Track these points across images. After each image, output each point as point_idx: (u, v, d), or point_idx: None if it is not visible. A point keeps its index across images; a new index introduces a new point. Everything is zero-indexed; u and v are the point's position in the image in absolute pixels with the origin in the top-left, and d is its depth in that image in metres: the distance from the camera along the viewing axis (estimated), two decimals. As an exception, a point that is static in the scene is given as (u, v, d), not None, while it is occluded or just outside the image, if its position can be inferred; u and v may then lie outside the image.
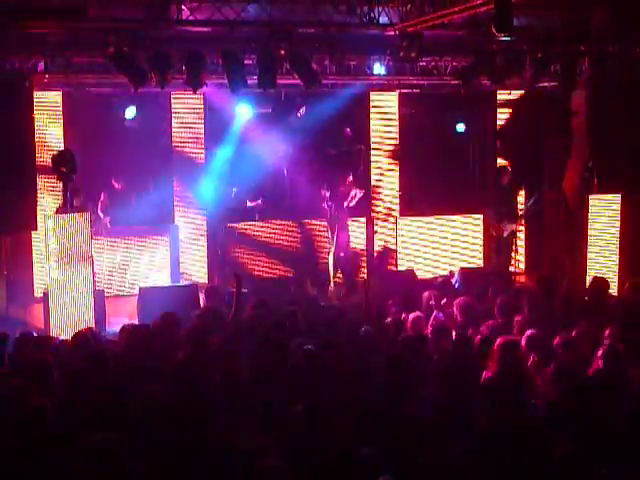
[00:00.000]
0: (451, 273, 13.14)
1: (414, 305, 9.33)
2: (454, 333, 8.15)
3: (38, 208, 11.81)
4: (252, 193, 13.90)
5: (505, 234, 13.39)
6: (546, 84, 12.88)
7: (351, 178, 13.69)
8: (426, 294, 9.56)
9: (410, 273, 12.99)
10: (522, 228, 14.28)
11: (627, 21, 11.15)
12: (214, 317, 8.78)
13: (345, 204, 13.55)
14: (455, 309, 8.89)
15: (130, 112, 13.06)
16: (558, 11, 11.36)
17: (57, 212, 11.02)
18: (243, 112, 13.75)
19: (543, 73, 12.39)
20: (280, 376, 6.73)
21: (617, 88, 12.41)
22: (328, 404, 5.94)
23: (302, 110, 13.63)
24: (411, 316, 8.60)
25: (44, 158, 11.96)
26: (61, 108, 12.66)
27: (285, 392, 6.39)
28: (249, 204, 13.90)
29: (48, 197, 12.47)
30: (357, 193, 13.66)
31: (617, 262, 12.50)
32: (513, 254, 13.30)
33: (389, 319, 8.98)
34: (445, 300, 9.40)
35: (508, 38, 10.98)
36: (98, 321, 10.62)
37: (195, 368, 6.89)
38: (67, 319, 10.48)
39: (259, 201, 13.92)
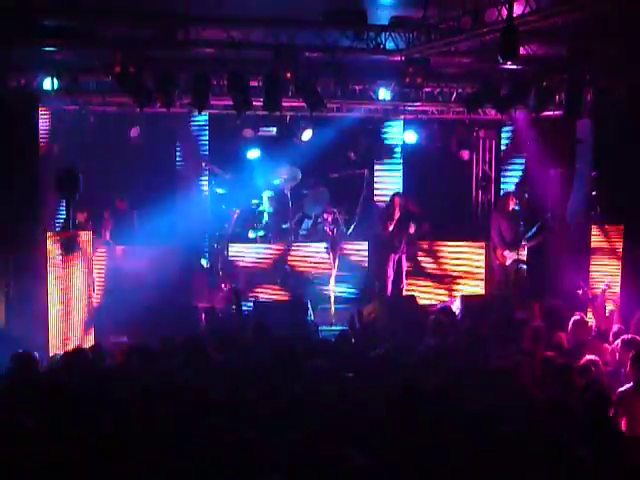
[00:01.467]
0: (452, 300, 13.08)
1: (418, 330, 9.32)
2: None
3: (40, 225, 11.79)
4: (254, 223, 13.88)
5: (508, 262, 13.34)
6: (551, 113, 12.88)
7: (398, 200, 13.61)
8: (432, 318, 9.59)
9: (411, 299, 12.91)
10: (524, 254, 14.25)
11: (629, 53, 11.16)
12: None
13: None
14: None
15: (135, 132, 13.08)
16: (564, 40, 11.38)
17: (60, 230, 11.01)
18: (248, 134, 13.78)
19: (548, 102, 12.41)
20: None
21: (622, 118, 12.41)
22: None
23: (306, 133, 13.64)
24: None
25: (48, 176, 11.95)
26: (65, 126, 12.70)
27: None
28: (251, 234, 13.87)
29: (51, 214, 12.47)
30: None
31: (619, 293, 12.43)
32: (517, 282, 13.24)
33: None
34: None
35: (514, 66, 11.02)
36: (98, 339, 10.58)
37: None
38: (67, 336, 10.44)
39: (260, 234, 13.88)
